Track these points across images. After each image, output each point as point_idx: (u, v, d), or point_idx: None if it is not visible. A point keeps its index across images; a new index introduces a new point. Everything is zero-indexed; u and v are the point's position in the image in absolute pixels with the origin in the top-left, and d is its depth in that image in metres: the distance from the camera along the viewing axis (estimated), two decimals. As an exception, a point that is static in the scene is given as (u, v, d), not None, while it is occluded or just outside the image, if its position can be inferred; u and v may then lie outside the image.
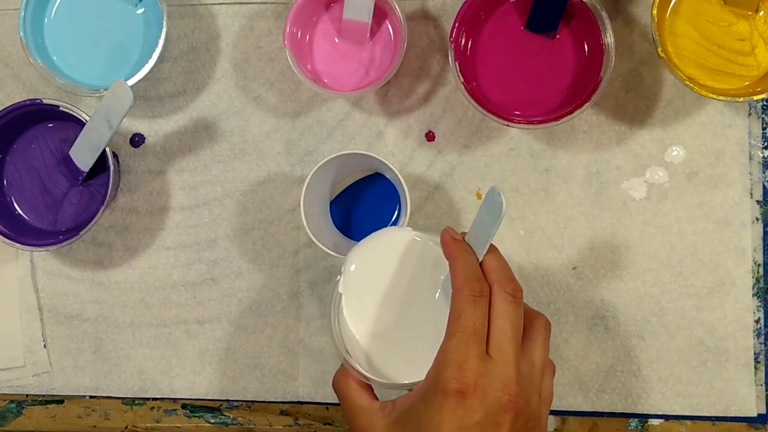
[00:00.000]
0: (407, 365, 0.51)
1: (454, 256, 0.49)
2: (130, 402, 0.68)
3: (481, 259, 0.49)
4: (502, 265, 0.49)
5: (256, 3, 0.67)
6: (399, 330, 0.52)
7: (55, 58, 0.66)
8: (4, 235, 0.63)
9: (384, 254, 0.53)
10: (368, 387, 0.51)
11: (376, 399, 0.50)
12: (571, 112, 0.59)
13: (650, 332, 0.64)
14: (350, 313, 0.52)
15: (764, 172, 0.65)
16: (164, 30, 0.63)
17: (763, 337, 0.64)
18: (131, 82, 0.62)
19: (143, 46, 0.65)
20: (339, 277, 0.53)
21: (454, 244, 0.50)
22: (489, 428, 0.45)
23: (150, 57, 0.63)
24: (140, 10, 0.66)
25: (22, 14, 0.64)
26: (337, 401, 0.66)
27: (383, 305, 0.52)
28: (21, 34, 0.64)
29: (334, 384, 0.52)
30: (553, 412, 0.65)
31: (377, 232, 0.54)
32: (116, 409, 0.69)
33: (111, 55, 0.66)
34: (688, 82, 0.58)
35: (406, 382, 0.51)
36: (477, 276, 0.48)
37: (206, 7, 0.68)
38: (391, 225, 0.65)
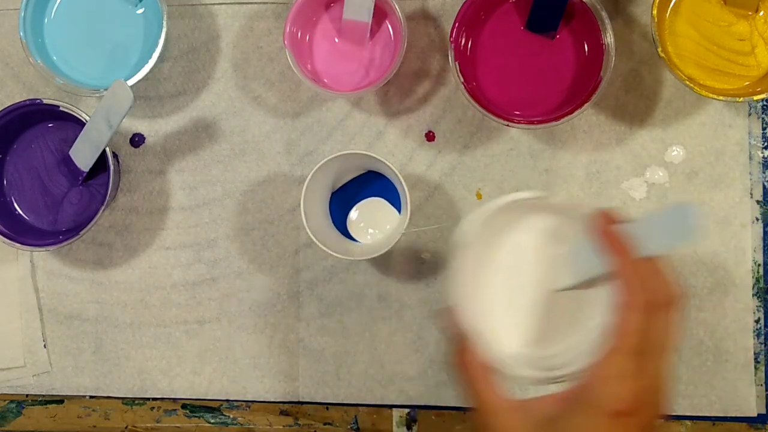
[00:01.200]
0: (523, 341, 0.48)
1: (623, 265, 0.44)
2: (130, 402, 0.68)
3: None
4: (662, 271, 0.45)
5: (256, 3, 0.67)
6: (514, 303, 0.49)
7: (55, 58, 0.66)
8: (4, 235, 0.63)
9: (505, 222, 0.48)
10: (493, 374, 0.46)
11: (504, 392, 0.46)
12: (571, 112, 0.59)
13: (650, 332, 0.64)
14: (466, 282, 0.47)
15: (764, 172, 0.65)
16: (164, 30, 0.63)
17: (763, 337, 0.64)
18: (131, 82, 0.62)
19: (143, 46, 0.66)
20: (457, 245, 0.47)
21: (619, 244, 0.44)
22: None
23: (150, 57, 0.63)
24: (140, 10, 0.66)
25: (22, 14, 0.64)
26: (337, 401, 0.67)
27: (501, 276, 0.49)
28: (21, 34, 0.64)
29: (458, 369, 0.46)
30: (553, 412, 0.65)
31: (502, 197, 0.48)
32: (116, 409, 0.69)
33: (111, 55, 0.66)
34: (688, 82, 0.58)
35: (556, 374, 0.46)
36: (650, 290, 0.44)
37: (206, 7, 0.68)
38: (392, 225, 0.65)
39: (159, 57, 0.63)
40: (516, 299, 0.49)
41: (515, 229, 0.49)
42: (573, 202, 0.50)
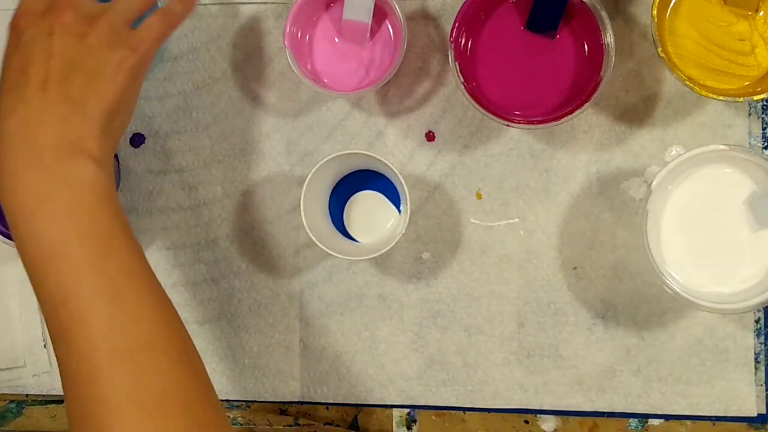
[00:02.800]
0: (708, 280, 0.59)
1: None
2: (130, 402, 0.68)
3: None
4: None
5: (256, 3, 0.67)
6: (696, 245, 0.59)
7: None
8: (4, 235, 0.63)
9: (686, 172, 0.59)
10: None
11: None
12: (571, 112, 0.59)
13: (650, 332, 0.64)
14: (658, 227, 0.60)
15: (764, 172, 0.65)
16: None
17: (763, 337, 0.64)
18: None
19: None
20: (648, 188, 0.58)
21: None
22: (41, 36, 0.50)
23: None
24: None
25: None
26: (337, 401, 0.67)
27: (684, 221, 0.60)
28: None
29: None
30: (553, 412, 0.65)
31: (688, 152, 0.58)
32: (116, 409, 0.68)
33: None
34: (688, 82, 0.58)
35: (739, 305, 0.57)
36: None
37: (206, 7, 0.68)
38: (391, 226, 0.65)
39: (159, 57, 0.63)
40: (697, 242, 0.59)
41: (693, 179, 0.59)
42: (752, 150, 0.59)
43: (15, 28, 0.51)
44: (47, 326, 0.48)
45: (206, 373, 0.51)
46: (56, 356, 0.47)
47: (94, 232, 0.48)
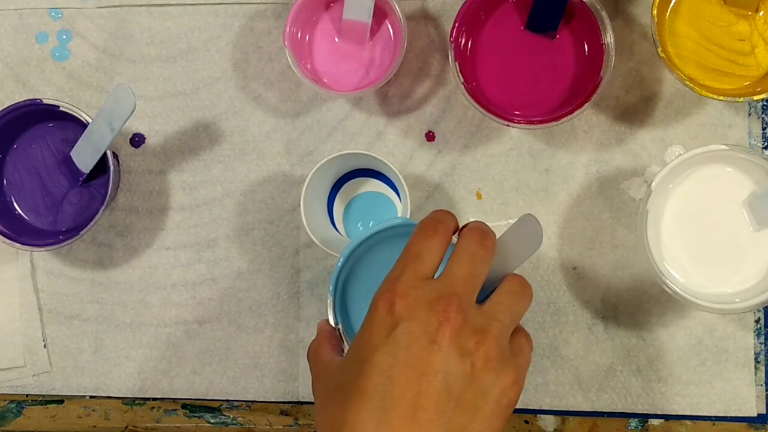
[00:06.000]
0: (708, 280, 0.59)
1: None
2: (130, 402, 0.68)
3: (502, 277, 0.46)
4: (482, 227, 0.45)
5: (256, 3, 0.67)
6: (694, 245, 0.59)
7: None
8: (4, 235, 0.63)
9: (684, 173, 0.59)
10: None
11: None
12: (571, 112, 0.59)
13: (650, 332, 0.64)
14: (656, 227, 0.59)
15: (764, 172, 0.65)
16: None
17: (763, 337, 0.64)
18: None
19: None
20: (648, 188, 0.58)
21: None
22: (421, 340, 0.39)
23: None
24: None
25: None
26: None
27: (682, 222, 0.60)
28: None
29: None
30: (553, 412, 0.65)
31: (687, 152, 0.58)
32: (116, 409, 0.69)
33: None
34: (688, 82, 0.58)
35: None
36: (441, 217, 0.44)
37: (206, 7, 0.68)
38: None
39: (159, 57, 0.63)
40: (697, 242, 0.59)
41: (693, 179, 0.59)
42: (753, 150, 0.59)
43: (388, 310, 0.41)
44: None
45: None
46: None
47: None
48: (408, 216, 0.60)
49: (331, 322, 0.50)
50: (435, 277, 0.43)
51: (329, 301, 0.50)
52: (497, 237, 0.46)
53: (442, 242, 0.44)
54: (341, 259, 0.50)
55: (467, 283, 0.42)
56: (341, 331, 0.50)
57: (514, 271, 0.46)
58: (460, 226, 0.46)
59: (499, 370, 0.40)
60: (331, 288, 0.50)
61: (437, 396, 0.38)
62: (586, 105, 0.59)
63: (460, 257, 0.43)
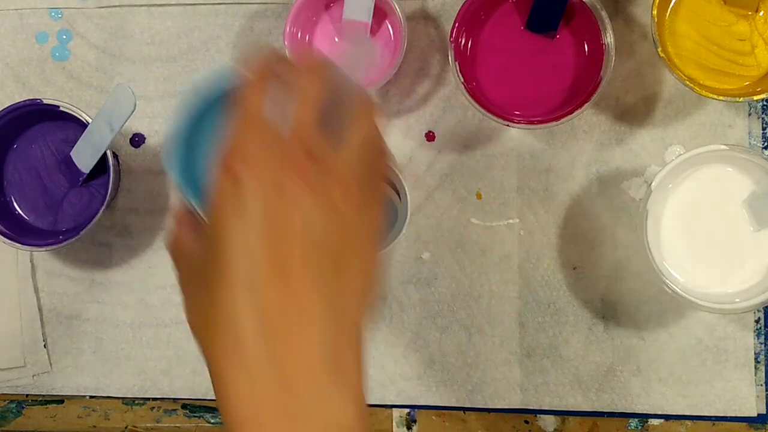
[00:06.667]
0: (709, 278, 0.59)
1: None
2: (130, 402, 0.68)
3: None
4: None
5: (256, 3, 0.67)
6: (694, 245, 0.59)
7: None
8: (4, 235, 0.63)
9: (684, 173, 0.59)
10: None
11: None
12: (571, 112, 0.59)
13: (650, 332, 0.64)
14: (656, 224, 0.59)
15: (764, 172, 0.65)
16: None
17: (763, 337, 0.64)
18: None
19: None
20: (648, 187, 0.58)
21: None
22: (271, 199, 0.35)
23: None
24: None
25: None
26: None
27: (682, 221, 0.59)
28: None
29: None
30: (553, 412, 0.65)
31: (687, 152, 0.57)
32: (116, 409, 0.69)
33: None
34: (688, 82, 0.58)
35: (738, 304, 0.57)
36: (262, 62, 0.40)
37: (206, 7, 0.68)
38: (391, 226, 0.65)
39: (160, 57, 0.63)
40: (697, 242, 0.59)
41: (694, 179, 0.59)
42: (753, 150, 0.59)
43: (233, 182, 0.36)
44: None
45: None
46: None
47: None
48: (408, 216, 0.60)
49: (183, 203, 0.43)
50: (273, 127, 0.38)
51: (175, 182, 0.43)
52: (332, 63, 0.43)
53: (266, 89, 0.39)
54: (174, 139, 0.44)
55: (307, 125, 0.38)
56: (196, 210, 0.43)
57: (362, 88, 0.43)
58: (299, 65, 0.42)
59: (360, 206, 0.37)
60: (174, 174, 0.43)
61: (301, 249, 0.35)
62: (586, 105, 0.59)
63: (298, 101, 0.38)
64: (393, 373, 0.66)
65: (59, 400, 0.69)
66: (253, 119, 0.38)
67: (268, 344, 0.34)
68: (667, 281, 0.57)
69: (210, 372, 0.36)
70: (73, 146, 0.63)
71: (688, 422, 0.65)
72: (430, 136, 0.66)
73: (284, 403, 0.34)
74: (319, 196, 0.36)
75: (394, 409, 0.67)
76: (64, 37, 0.68)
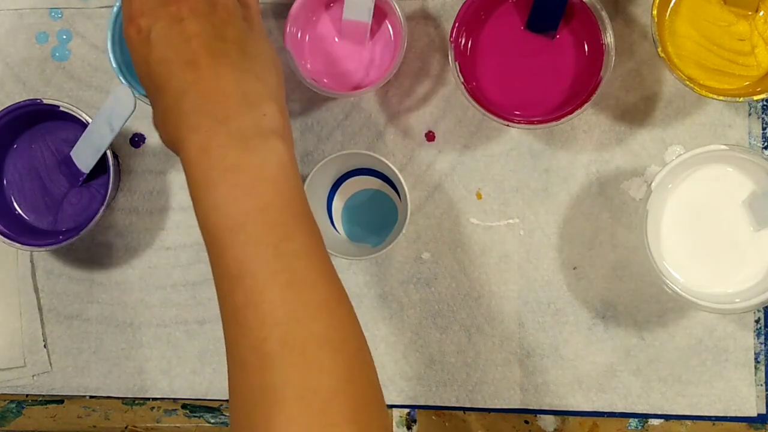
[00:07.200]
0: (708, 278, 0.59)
1: None
2: (130, 402, 0.68)
3: None
4: None
5: (256, 3, 0.67)
6: (694, 245, 0.60)
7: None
8: (4, 235, 0.63)
9: (684, 173, 0.60)
10: None
11: None
12: (571, 112, 0.59)
13: (650, 332, 0.64)
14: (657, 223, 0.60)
15: (764, 172, 0.65)
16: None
17: (763, 337, 0.64)
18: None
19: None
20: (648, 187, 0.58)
21: None
22: (172, 29, 0.48)
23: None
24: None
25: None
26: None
27: (682, 222, 0.60)
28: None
29: None
30: (553, 412, 0.65)
31: (688, 152, 0.58)
32: (116, 409, 0.69)
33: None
34: (688, 82, 0.58)
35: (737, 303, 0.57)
36: None
37: (206, 7, 0.68)
38: (391, 225, 0.65)
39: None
40: (697, 242, 0.59)
41: (694, 179, 0.59)
42: (753, 150, 0.59)
43: (138, 30, 0.49)
44: (221, 308, 0.46)
45: (377, 377, 0.47)
46: (225, 339, 0.45)
47: (275, 208, 0.45)
48: (408, 216, 0.60)
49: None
50: None
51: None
52: None
53: None
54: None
55: None
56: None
57: None
58: None
59: (238, 10, 0.51)
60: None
61: (207, 45, 0.48)
62: (586, 105, 0.59)
63: None
64: (393, 373, 0.66)
65: (59, 400, 0.69)
66: None
67: (205, 105, 0.46)
68: (667, 281, 0.57)
69: (179, 148, 0.47)
70: (73, 146, 0.63)
71: (688, 422, 0.65)
72: (430, 136, 0.66)
73: (225, 140, 0.46)
74: (207, 15, 0.49)
75: (394, 409, 0.67)
76: (64, 37, 0.68)
